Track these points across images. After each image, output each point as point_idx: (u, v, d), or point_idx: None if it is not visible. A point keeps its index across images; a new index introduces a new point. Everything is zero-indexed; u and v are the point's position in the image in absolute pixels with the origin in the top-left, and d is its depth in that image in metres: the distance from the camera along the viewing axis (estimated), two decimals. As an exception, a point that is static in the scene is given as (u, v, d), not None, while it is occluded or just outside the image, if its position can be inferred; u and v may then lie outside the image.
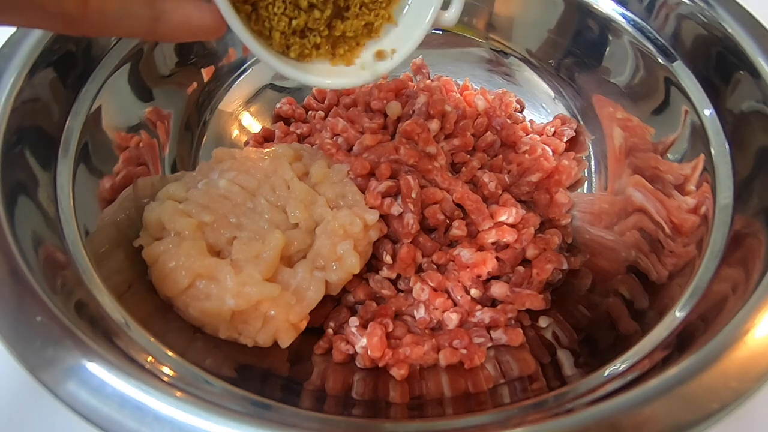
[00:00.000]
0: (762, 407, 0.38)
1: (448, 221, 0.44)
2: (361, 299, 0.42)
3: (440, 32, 0.59)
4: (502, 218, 0.43)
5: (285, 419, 0.28)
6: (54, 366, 0.26)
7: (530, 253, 0.43)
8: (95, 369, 0.26)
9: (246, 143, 0.53)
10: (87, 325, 0.29)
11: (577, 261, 0.44)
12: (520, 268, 0.43)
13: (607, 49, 0.49)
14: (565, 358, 0.37)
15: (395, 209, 0.42)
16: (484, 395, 0.35)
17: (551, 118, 0.53)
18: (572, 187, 0.50)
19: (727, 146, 0.38)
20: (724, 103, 0.39)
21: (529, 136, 0.51)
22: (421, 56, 0.59)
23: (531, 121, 0.53)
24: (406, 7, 0.35)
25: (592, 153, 0.51)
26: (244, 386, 0.30)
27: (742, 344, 0.27)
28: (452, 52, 0.59)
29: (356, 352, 0.39)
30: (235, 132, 0.54)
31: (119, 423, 0.24)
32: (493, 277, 0.43)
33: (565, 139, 0.51)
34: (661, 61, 0.44)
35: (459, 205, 0.44)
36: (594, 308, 0.41)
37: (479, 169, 0.47)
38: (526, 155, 0.48)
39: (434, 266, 0.44)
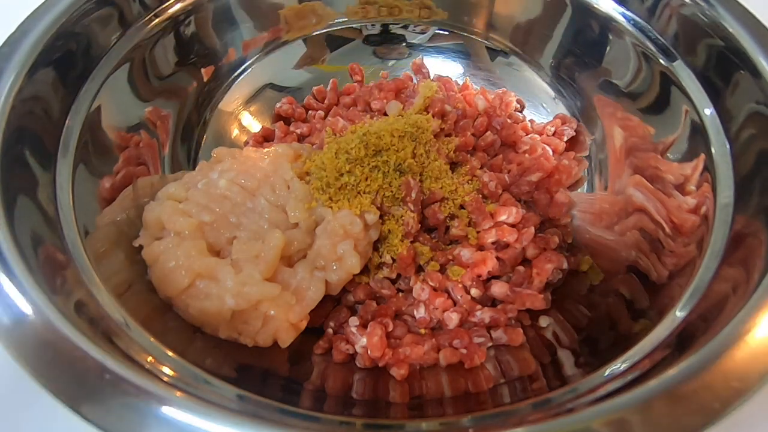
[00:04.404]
0: (762, 407, 0.38)
1: (448, 221, 0.44)
2: (361, 299, 0.42)
3: (446, 32, 0.59)
4: (502, 218, 0.43)
5: (285, 419, 0.28)
6: (53, 366, 0.26)
7: (530, 252, 0.43)
8: (95, 368, 0.26)
9: (246, 143, 0.53)
10: (87, 325, 0.29)
11: (578, 261, 0.44)
12: (520, 268, 0.43)
13: (608, 49, 0.49)
14: (565, 357, 0.37)
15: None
16: (484, 395, 0.35)
17: (551, 118, 0.53)
18: (572, 186, 0.49)
19: (728, 146, 0.38)
20: (725, 103, 0.39)
21: (529, 135, 0.51)
22: (421, 56, 0.58)
23: (531, 121, 0.53)
24: None
25: (592, 153, 0.51)
26: (244, 386, 0.30)
27: (743, 344, 0.27)
28: (452, 51, 0.59)
29: (356, 352, 0.39)
30: (235, 132, 0.54)
31: (118, 422, 0.24)
32: (494, 276, 0.43)
33: (565, 138, 0.51)
34: (661, 60, 0.44)
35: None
36: (594, 308, 0.41)
37: (479, 168, 0.47)
38: (526, 155, 0.48)
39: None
